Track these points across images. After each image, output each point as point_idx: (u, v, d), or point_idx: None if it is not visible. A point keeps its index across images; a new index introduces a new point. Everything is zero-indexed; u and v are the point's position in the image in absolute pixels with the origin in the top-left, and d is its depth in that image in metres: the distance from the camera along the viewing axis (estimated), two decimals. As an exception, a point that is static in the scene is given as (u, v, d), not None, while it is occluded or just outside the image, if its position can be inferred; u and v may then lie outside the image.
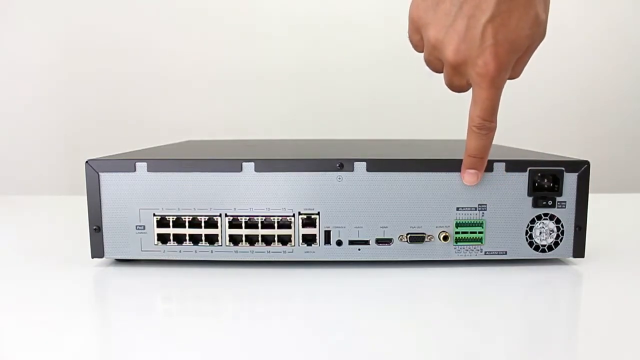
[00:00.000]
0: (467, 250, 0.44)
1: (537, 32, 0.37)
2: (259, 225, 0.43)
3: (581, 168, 0.43)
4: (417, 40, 0.41)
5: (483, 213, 0.44)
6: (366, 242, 0.44)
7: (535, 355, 0.30)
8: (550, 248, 0.44)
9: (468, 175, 0.42)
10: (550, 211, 0.44)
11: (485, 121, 0.39)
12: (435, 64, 0.41)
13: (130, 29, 1.10)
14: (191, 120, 1.13)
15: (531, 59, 0.39)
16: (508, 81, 0.39)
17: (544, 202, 0.43)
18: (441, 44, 0.38)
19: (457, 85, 0.41)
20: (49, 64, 1.10)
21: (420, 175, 0.43)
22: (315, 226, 0.43)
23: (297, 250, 0.44)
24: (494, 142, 0.42)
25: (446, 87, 0.42)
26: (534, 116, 1.15)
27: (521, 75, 0.41)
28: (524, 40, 0.37)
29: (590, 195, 0.44)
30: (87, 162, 0.43)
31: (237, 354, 0.29)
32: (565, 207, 0.44)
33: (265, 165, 0.43)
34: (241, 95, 1.13)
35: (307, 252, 0.44)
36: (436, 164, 0.43)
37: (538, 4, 0.36)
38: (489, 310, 0.36)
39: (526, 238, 0.44)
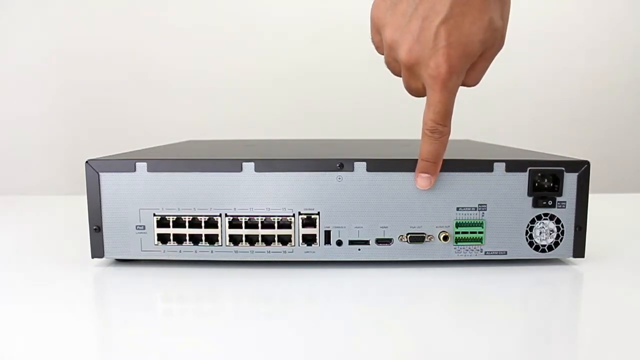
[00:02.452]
0: (467, 250, 0.44)
1: (491, 38, 0.37)
2: (259, 225, 0.43)
3: (581, 168, 0.43)
4: (378, 41, 0.41)
5: (483, 213, 0.44)
6: (366, 242, 0.44)
7: (535, 355, 0.30)
8: (550, 248, 0.44)
9: (421, 180, 0.42)
10: (550, 211, 0.44)
11: (437, 125, 0.39)
12: (393, 66, 0.41)
13: (131, 29, 1.10)
14: (191, 120, 1.13)
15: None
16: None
17: (544, 202, 0.43)
18: (396, 44, 0.38)
19: (413, 88, 0.40)
20: (49, 64, 1.10)
21: (420, 175, 0.43)
22: (315, 226, 0.43)
23: (297, 250, 0.44)
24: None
25: (405, 91, 0.41)
26: (534, 116, 1.15)
27: (478, 84, 0.40)
28: (477, 44, 0.36)
29: (590, 195, 0.44)
30: (87, 162, 0.43)
31: (237, 353, 0.29)
32: (565, 207, 0.44)
33: (265, 165, 0.43)
34: (241, 95, 1.13)
35: (307, 252, 0.44)
36: (436, 164, 0.43)
37: (494, 9, 0.36)
38: (489, 310, 0.36)
39: (526, 238, 0.44)
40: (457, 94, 0.39)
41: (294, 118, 1.13)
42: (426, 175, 0.42)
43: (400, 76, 0.41)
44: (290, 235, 0.43)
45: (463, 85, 0.40)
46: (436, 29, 0.36)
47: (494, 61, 0.39)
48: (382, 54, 0.42)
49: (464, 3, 0.35)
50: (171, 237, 0.43)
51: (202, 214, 0.43)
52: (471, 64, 0.38)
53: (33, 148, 1.13)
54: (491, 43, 0.37)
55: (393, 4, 0.38)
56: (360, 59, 1.10)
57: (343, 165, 0.43)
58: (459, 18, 0.36)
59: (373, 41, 0.42)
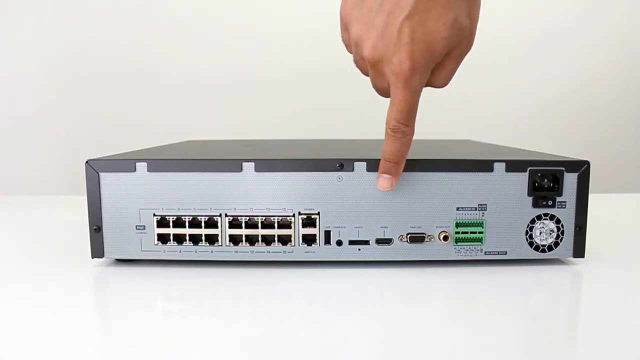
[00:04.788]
0: (467, 250, 0.44)
1: (456, 36, 0.36)
2: (259, 225, 0.43)
3: (581, 168, 0.43)
4: (347, 39, 0.41)
5: (483, 213, 0.44)
6: (366, 242, 0.44)
7: (535, 355, 0.30)
8: (550, 248, 0.44)
9: (382, 180, 0.41)
10: (550, 211, 0.44)
11: (400, 124, 0.38)
12: (361, 64, 0.40)
13: (131, 28, 1.10)
14: (191, 120, 1.13)
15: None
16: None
17: (544, 202, 0.43)
18: (361, 40, 0.38)
19: (379, 86, 0.39)
20: (49, 64, 1.10)
21: (420, 175, 0.43)
22: (315, 226, 0.43)
23: (297, 250, 0.44)
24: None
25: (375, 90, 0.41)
26: (534, 116, 1.15)
27: (448, 84, 0.39)
28: (441, 42, 0.36)
29: (590, 195, 0.44)
30: (87, 162, 0.43)
31: (237, 354, 0.29)
32: (565, 207, 0.44)
33: (265, 165, 0.43)
34: (241, 95, 1.13)
35: (307, 252, 0.44)
36: (436, 164, 0.43)
37: (459, 8, 0.36)
38: (489, 310, 0.36)
39: (526, 238, 0.44)
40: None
41: (294, 118, 1.13)
42: (388, 176, 0.41)
43: (368, 75, 0.40)
44: (290, 235, 0.43)
45: (431, 85, 0.39)
46: (400, 25, 0.35)
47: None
48: (352, 53, 0.41)
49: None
50: (171, 237, 0.43)
51: (202, 214, 0.43)
52: (436, 63, 0.37)
53: (33, 148, 1.13)
54: (456, 42, 0.36)
55: (361, 0, 0.38)
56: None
57: (343, 165, 0.43)
58: (424, 15, 0.35)
59: (342, 39, 0.41)
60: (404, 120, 0.38)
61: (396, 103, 0.37)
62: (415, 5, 0.35)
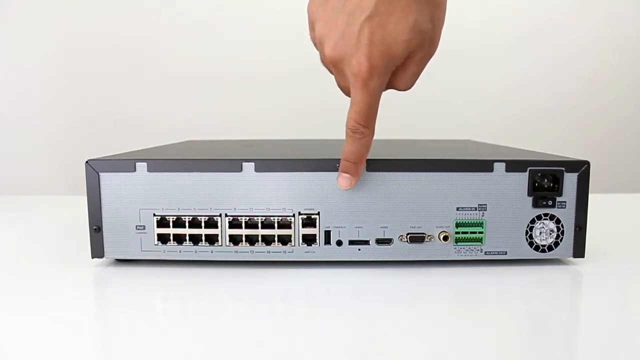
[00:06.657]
0: (467, 250, 0.44)
1: (416, 40, 0.36)
2: (259, 225, 0.43)
3: (581, 168, 0.43)
4: (313, 37, 0.41)
5: (483, 213, 0.44)
6: (366, 242, 0.44)
7: (536, 355, 0.30)
8: (550, 248, 0.44)
9: (341, 179, 0.41)
10: (550, 211, 0.44)
11: (358, 125, 0.38)
12: (327, 63, 0.40)
13: (131, 28, 1.10)
14: (191, 120, 1.13)
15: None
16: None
17: (544, 202, 0.43)
18: (324, 39, 0.38)
19: (342, 85, 0.39)
20: (49, 64, 1.10)
21: (420, 175, 0.43)
22: (315, 226, 0.43)
23: (297, 250, 0.44)
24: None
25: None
26: (534, 116, 1.15)
27: (412, 87, 0.39)
28: (401, 45, 0.35)
29: (590, 195, 0.44)
30: (87, 162, 0.43)
31: (237, 354, 0.29)
32: (565, 207, 0.44)
33: (265, 165, 0.43)
34: (241, 95, 1.13)
35: (307, 252, 0.44)
36: (436, 164, 0.43)
37: (420, 11, 0.35)
38: (489, 310, 0.36)
39: (526, 238, 0.44)
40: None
41: (294, 118, 1.13)
42: (347, 175, 0.41)
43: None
44: (290, 235, 0.43)
45: (394, 88, 0.39)
46: (360, 26, 0.35)
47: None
48: (318, 51, 0.41)
49: (389, 2, 0.35)
50: (171, 237, 0.43)
51: (202, 214, 0.43)
52: (397, 65, 0.37)
53: (33, 148, 1.13)
54: (416, 45, 0.36)
55: None
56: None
57: (343, 165, 0.43)
58: (384, 17, 0.35)
59: (310, 37, 0.41)
60: (363, 121, 0.38)
61: (355, 104, 0.37)
62: (376, 7, 0.35)
